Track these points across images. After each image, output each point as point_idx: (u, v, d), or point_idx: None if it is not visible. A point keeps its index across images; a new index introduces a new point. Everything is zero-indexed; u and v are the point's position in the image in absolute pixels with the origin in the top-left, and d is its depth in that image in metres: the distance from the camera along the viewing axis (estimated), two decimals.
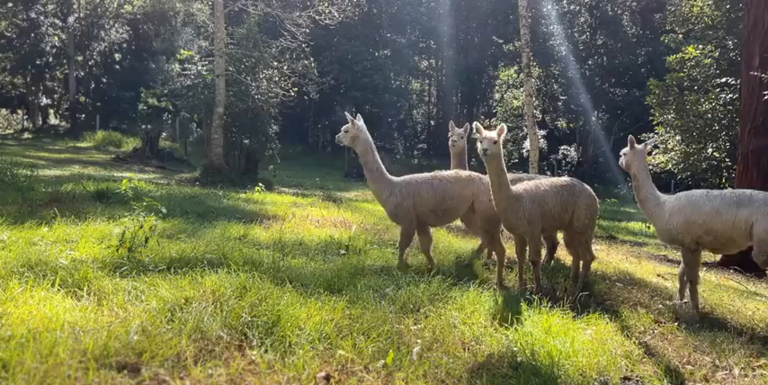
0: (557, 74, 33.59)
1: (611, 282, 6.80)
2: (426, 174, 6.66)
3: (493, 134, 5.53)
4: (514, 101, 34.88)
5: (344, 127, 6.58)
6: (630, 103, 31.12)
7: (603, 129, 32.87)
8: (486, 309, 4.71)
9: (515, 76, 34.77)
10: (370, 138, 6.65)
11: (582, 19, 34.03)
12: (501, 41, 36.89)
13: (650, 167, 18.00)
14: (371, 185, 6.59)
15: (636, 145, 6.78)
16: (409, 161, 34.76)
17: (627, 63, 32.38)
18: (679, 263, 9.78)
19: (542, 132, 32.51)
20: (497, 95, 39.15)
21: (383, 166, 6.58)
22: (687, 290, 6.06)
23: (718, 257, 10.04)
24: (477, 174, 6.73)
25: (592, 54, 33.55)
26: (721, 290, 7.33)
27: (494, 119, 36.88)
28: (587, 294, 5.87)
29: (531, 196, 5.99)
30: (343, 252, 6.72)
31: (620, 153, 6.93)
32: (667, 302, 6.07)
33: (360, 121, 6.64)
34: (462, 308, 4.67)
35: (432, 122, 42.49)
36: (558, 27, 32.73)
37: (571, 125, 34.41)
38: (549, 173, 27.04)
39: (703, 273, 8.13)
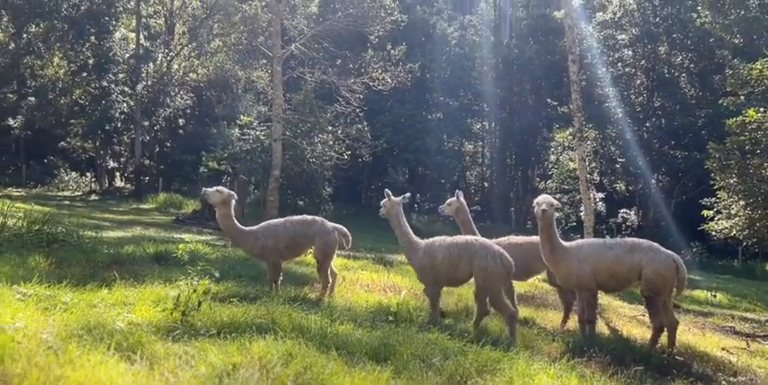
0: (613, 136, 33.29)
1: (670, 355, 6.50)
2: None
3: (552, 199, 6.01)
4: (570, 163, 34.62)
5: (218, 187, 8.00)
6: (691, 166, 30.40)
7: (664, 193, 32.09)
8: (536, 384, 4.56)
9: (570, 137, 34.64)
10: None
11: (638, 81, 33.92)
12: (555, 103, 37.00)
13: (713, 233, 17.46)
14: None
15: (392, 197, 7.55)
16: None
17: (686, 125, 31.85)
18: (749, 335, 9.33)
19: (600, 195, 31.99)
20: (552, 157, 38.98)
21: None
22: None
23: None
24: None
25: (649, 116, 33.18)
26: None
27: (549, 181, 36.60)
28: (644, 367, 5.62)
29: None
30: (391, 319, 6.67)
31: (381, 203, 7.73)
32: (731, 379, 5.75)
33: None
34: (511, 382, 4.53)
35: (485, 184, 42.43)
36: (614, 89, 32.67)
37: (630, 188, 33.76)
38: (608, 237, 26.40)
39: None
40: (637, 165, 31.64)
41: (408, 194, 7.95)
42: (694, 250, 26.60)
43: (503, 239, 8.28)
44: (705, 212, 17.10)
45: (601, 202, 32.28)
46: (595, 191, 31.51)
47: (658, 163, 32.23)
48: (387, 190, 7.78)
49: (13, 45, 33.59)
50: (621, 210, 33.07)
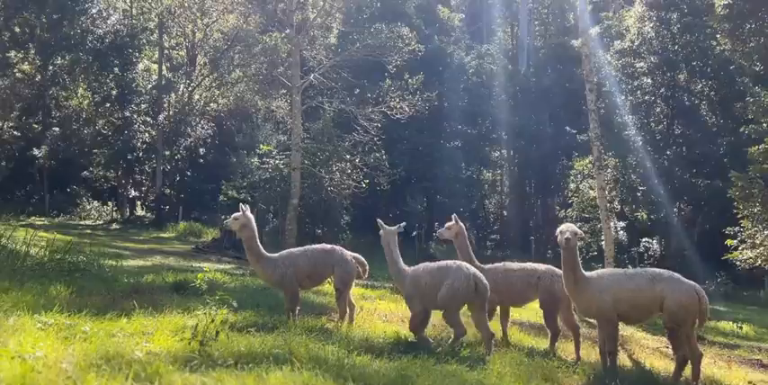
0: (634, 164, 33.03)
1: None
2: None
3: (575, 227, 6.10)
4: (590, 191, 34.37)
5: (235, 214, 8.07)
6: (714, 195, 29.96)
7: (686, 222, 31.64)
8: None
9: (590, 165, 34.45)
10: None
11: (658, 109, 33.72)
12: (574, 131, 36.90)
13: (738, 263, 17.14)
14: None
15: (386, 227, 7.95)
16: (483, 252, 34.33)
17: (708, 153, 31.50)
18: None
19: (621, 224, 31.60)
20: (572, 185, 38.74)
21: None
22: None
23: None
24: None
25: (670, 144, 32.90)
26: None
27: (569, 209, 36.29)
28: None
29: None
30: (408, 349, 6.60)
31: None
32: None
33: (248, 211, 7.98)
34: None
35: (504, 212, 42.20)
36: (633, 117, 32.51)
37: (652, 217, 33.33)
38: (630, 266, 26.01)
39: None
40: (658, 194, 31.28)
41: (404, 223, 8.18)
42: (719, 280, 26.09)
43: (498, 265, 8.39)
44: (729, 242, 16.84)
45: (622, 231, 31.87)
46: (616, 219, 31.17)
47: (680, 191, 31.84)
48: (378, 220, 8.15)
49: (39, 77, 34.44)
50: (643, 240, 32.61)
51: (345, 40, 27.93)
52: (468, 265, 7.36)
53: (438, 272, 7.24)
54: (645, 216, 33.99)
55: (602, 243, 17.00)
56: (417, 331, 7.20)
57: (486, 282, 7.17)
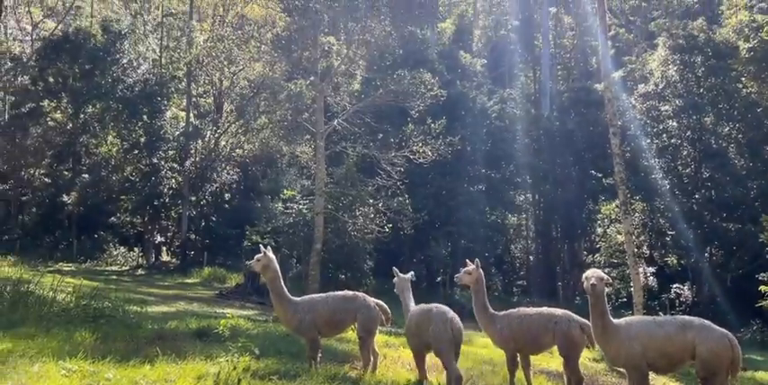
0: (662, 208, 32.54)
1: None
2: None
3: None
4: (618, 236, 33.81)
5: (257, 256, 8.05)
6: (746, 239, 29.31)
7: (718, 267, 30.86)
8: None
9: (617, 209, 34.01)
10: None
11: (685, 152, 33.37)
12: (600, 175, 36.59)
13: None
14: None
15: (400, 274, 8.38)
16: (509, 298, 33.70)
17: (738, 196, 30.94)
18: None
19: (651, 269, 30.88)
20: (599, 230, 38.19)
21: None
22: None
23: None
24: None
25: (698, 187, 32.41)
26: None
27: (597, 254, 35.69)
28: None
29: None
30: None
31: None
32: None
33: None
34: None
35: (531, 258, 41.61)
36: (660, 161, 32.22)
37: (682, 262, 32.60)
38: (660, 313, 25.30)
39: None
40: (688, 239, 30.65)
41: (412, 273, 8.66)
42: (754, 328, 25.23)
43: (513, 311, 8.24)
44: (763, 288, 16.36)
45: (652, 277, 31.12)
46: (645, 265, 30.48)
47: (711, 236, 31.17)
48: (394, 268, 8.53)
49: (70, 125, 35.35)
50: (674, 286, 31.77)
51: (369, 87, 28.32)
52: (448, 309, 7.66)
53: (426, 316, 7.62)
54: (675, 261, 33.27)
55: (632, 289, 16.61)
56: (419, 368, 7.82)
57: (459, 324, 7.52)
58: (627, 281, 28.70)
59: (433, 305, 7.79)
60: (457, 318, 7.53)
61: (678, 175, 32.47)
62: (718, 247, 32.32)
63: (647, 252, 32.83)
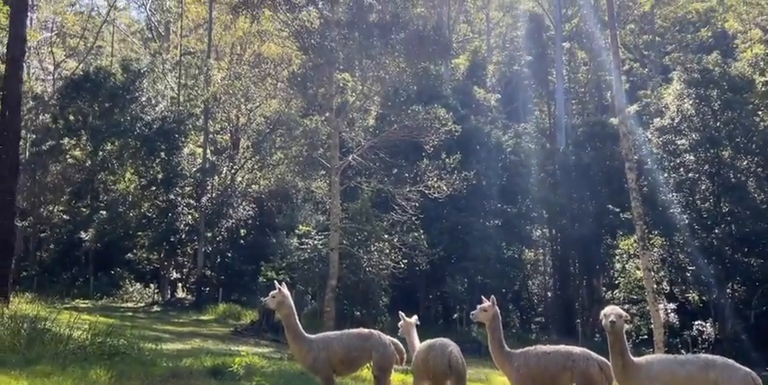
0: (681, 243, 32.05)
1: None
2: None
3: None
4: (637, 271, 33.24)
5: (272, 292, 8.02)
6: None
7: (741, 303, 30.18)
8: None
9: (635, 245, 33.57)
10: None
11: (703, 186, 32.97)
12: (617, 210, 36.24)
13: None
14: None
15: (406, 318, 8.52)
16: (527, 335, 33.10)
17: (759, 231, 30.38)
18: None
19: (672, 306, 30.20)
20: (618, 265, 37.65)
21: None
22: None
23: None
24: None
25: (718, 222, 31.90)
26: None
27: (616, 290, 35.07)
28: None
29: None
30: None
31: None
32: None
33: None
34: None
35: (548, 294, 41.02)
36: (678, 195, 31.86)
37: (704, 298, 31.92)
38: (683, 351, 24.69)
39: None
40: (708, 274, 30.07)
41: (416, 317, 8.75)
42: None
43: (530, 349, 8.00)
44: None
45: (673, 313, 30.44)
46: (666, 301, 29.84)
47: (732, 271, 30.56)
48: (400, 312, 8.69)
49: (89, 162, 35.82)
50: (696, 322, 31.04)
51: (383, 122, 28.51)
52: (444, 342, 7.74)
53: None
54: (696, 297, 32.60)
55: (652, 326, 16.25)
56: None
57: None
58: (647, 317, 28.10)
59: (438, 339, 7.87)
60: (457, 351, 7.53)
61: (697, 210, 32.04)
62: (740, 283, 31.69)
63: (668, 288, 32.18)
